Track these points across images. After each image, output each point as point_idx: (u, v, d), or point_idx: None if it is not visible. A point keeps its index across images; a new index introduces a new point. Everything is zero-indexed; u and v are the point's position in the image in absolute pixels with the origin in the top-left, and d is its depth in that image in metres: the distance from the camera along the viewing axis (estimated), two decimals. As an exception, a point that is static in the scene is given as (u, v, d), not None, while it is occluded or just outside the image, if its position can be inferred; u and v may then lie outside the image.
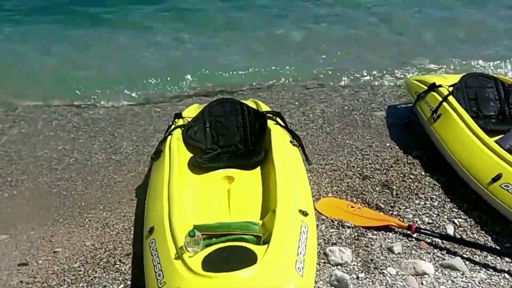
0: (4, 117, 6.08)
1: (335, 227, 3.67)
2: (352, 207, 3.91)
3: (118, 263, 3.45)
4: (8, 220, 4.21)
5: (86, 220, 4.11)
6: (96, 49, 7.88)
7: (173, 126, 4.35)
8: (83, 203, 4.39)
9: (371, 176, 4.38)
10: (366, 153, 4.85)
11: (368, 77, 6.80)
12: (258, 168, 3.89)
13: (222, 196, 3.59)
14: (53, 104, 6.37)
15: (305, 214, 3.13)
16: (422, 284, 3.08)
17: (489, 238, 3.53)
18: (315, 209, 3.69)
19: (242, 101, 4.53)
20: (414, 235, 3.55)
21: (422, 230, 3.52)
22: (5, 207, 4.42)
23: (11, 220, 4.22)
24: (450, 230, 3.63)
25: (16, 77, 7.13)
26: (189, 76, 6.86)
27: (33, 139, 5.63)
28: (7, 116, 6.11)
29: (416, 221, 3.74)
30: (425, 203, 3.97)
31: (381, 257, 3.34)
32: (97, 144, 5.45)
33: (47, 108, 6.13)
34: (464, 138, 4.20)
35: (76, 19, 8.99)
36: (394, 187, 4.18)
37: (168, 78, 6.73)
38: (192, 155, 4.11)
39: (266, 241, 2.80)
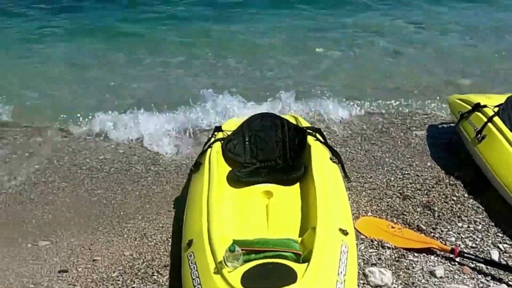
0: (48, 124, 6.21)
1: (375, 247, 3.60)
2: (392, 227, 3.83)
3: (156, 274, 3.48)
4: (50, 227, 4.30)
5: (125, 229, 4.16)
6: (138, 68, 7.98)
7: (212, 139, 4.37)
8: (122, 213, 4.44)
9: (412, 196, 4.29)
10: (406, 172, 4.76)
11: (409, 95, 6.67)
12: (297, 184, 3.86)
13: (261, 211, 3.57)
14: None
15: (345, 233, 3.08)
16: (465, 310, 3.00)
17: (537, 265, 3.41)
18: (355, 228, 3.63)
19: (281, 115, 4.53)
20: (457, 259, 3.45)
21: (465, 254, 3.42)
22: (47, 213, 4.51)
23: (52, 226, 4.30)
24: (495, 255, 3.52)
25: (67, 85, 7.32)
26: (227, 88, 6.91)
27: (75, 147, 5.74)
28: (51, 123, 6.24)
29: (459, 244, 3.64)
30: (469, 226, 3.86)
31: (423, 281, 3.26)
32: (137, 154, 5.52)
33: (90, 117, 6.22)
34: (510, 160, 4.08)
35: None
36: (436, 208, 4.08)
37: (209, 90, 6.79)
38: (231, 168, 4.11)
39: (306, 259, 2.76)
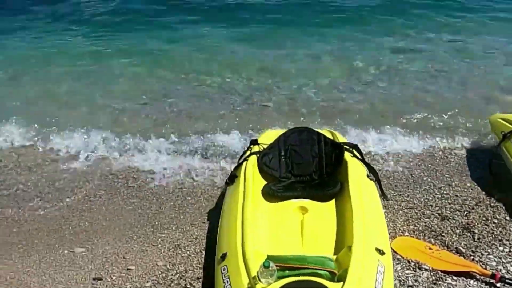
0: (85, 131, 6.32)
1: (412, 269, 3.51)
2: (430, 248, 3.73)
3: (188, 286, 3.48)
4: (86, 234, 4.37)
5: (159, 239, 4.18)
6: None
7: (248, 152, 4.36)
8: (156, 222, 4.48)
9: (451, 217, 4.18)
10: (445, 192, 4.64)
11: (448, 112, 6.52)
12: (333, 201, 3.81)
13: (295, 226, 3.53)
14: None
15: (381, 252, 3.02)
16: None
17: None
18: (391, 248, 3.55)
19: (318, 130, 4.49)
20: (498, 285, 3.33)
21: (507, 280, 3.30)
22: (84, 220, 4.59)
23: (88, 234, 4.37)
24: (538, 282, 3.38)
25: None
26: (263, 103, 6.91)
27: (112, 157, 5.83)
28: (88, 131, 6.36)
29: (500, 269, 3.51)
30: (510, 251, 3.72)
31: (462, 305, 3.16)
32: (172, 166, 5.55)
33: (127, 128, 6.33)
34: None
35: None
36: (476, 230, 3.96)
37: (248, 103, 6.80)
38: (266, 182, 4.09)
39: (341, 279, 2.71)
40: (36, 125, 6.42)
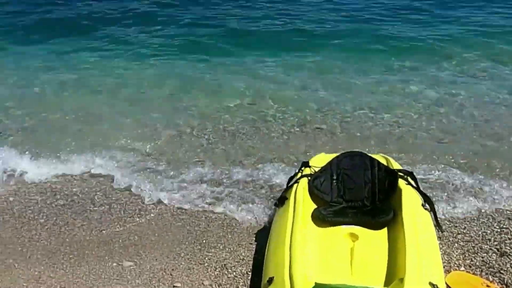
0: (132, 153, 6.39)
1: (467, 306, 3.34)
2: (487, 286, 3.54)
3: (234, 308, 3.44)
4: (135, 248, 4.42)
5: (206, 258, 4.18)
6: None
7: (299, 174, 4.31)
8: (204, 241, 4.48)
9: (511, 254, 3.96)
10: (504, 226, 4.41)
11: (504, 138, 6.23)
12: (385, 229, 3.69)
13: (345, 254, 3.44)
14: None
15: (435, 287, 2.88)
16: None
17: None
18: (446, 283, 3.39)
19: (372, 155, 4.39)
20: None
21: None
22: (133, 234, 4.65)
23: (137, 248, 4.42)
24: None
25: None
26: (317, 125, 6.85)
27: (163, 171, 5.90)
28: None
29: None
30: None
31: None
32: (223, 184, 5.54)
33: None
34: None
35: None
36: (539, 269, 3.73)
37: (301, 125, 6.73)
38: (316, 206, 4.02)
39: (391, 312, 2.61)
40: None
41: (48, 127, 7.08)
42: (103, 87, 8.56)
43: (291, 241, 3.33)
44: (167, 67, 9.45)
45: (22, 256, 4.38)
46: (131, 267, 4.11)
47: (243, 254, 4.19)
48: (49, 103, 7.99)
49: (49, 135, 6.78)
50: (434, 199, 4.26)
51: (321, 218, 3.81)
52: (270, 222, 4.16)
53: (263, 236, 4.09)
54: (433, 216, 3.93)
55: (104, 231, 4.72)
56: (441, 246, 3.93)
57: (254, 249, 4.24)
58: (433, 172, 5.47)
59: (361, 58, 9.53)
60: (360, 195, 4.12)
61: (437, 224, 3.98)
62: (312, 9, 12.73)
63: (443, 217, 4.56)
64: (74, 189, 5.53)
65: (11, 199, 5.40)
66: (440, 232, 4.10)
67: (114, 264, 4.19)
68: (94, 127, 6.97)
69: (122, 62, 9.82)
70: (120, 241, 4.55)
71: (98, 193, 5.43)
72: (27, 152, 6.26)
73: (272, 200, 4.93)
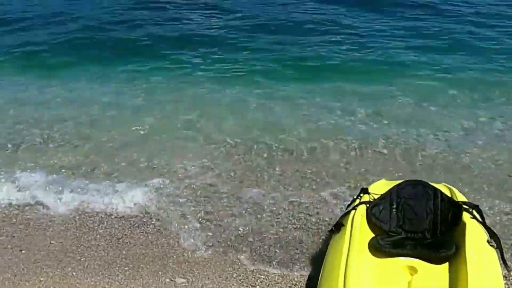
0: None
1: None
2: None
3: (283, 334, 3.36)
4: (188, 265, 4.44)
5: (258, 280, 4.16)
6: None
7: (357, 201, 4.20)
8: (255, 262, 4.43)
9: None
10: None
11: None
12: (446, 264, 3.50)
13: (402, 287, 3.29)
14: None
15: (500, 332, 2.70)
16: None
17: None
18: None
19: (435, 185, 4.21)
20: None
21: None
22: (187, 251, 4.67)
23: (190, 265, 4.44)
24: None
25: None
26: (379, 149, 6.68)
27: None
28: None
29: None
30: None
31: None
32: (281, 207, 5.49)
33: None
34: None
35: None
36: None
37: (361, 148, 6.59)
38: (374, 235, 3.89)
39: None
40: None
41: (113, 148, 7.06)
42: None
43: (346, 270, 3.23)
44: (228, 91, 9.32)
45: (80, 265, 4.51)
46: (184, 285, 4.13)
47: (296, 279, 4.13)
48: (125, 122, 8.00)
49: (114, 154, 6.85)
50: (500, 236, 3.99)
51: (378, 248, 3.67)
52: (324, 247, 4.06)
53: (317, 261, 4.00)
54: (499, 254, 3.70)
55: (159, 246, 4.77)
56: (506, 286, 3.69)
57: (307, 274, 4.16)
58: (501, 207, 5.19)
59: (426, 85, 9.26)
60: (420, 226, 3.95)
61: (504, 263, 3.73)
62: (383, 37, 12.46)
63: (510, 256, 4.30)
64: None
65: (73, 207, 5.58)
66: (506, 271, 3.85)
67: (167, 279, 4.22)
68: (155, 148, 7.00)
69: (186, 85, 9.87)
70: (175, 257, 4.59)
71: (155, 206, 5.52)
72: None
73: (327, 225, 4.83)
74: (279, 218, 5.17)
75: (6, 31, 13.40)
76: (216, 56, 11.15)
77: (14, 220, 5.33)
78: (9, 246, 4.86)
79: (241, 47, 11.76)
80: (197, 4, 15.49)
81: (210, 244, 4.78)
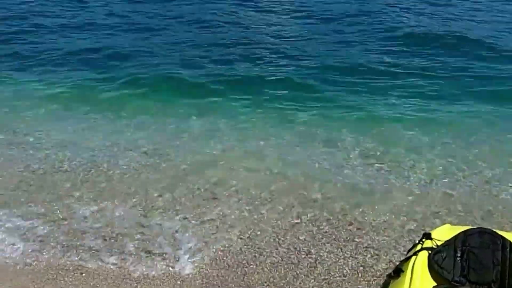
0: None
1: None
2: None
3: None
4: None
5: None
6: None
7: (419, 246, 4.04)
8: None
9: None
10: None
11: None
12: (513, 319, 3.31)
13: None
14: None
15: None
16: None
17: None
18: None
19: (504, 233, 4.00)
20: None
21: None
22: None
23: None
24: None
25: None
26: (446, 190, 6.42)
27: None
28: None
29: None
30: None
31: None
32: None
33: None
34: None
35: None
36: None
37: (427, 187, 6.40)
38: (435, 283, 3.72)
39: None
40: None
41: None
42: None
43: (403, 321, 3.11)
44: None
45: None
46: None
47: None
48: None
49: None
50: None
51: (439, 298, 3.53)
52: (383, 293, 3.94)
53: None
54: None
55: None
56: None
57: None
58: None
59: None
60: (487, 277, 3.74)
61: None
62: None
63: None
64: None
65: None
66: None
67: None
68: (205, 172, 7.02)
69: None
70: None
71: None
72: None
73: (387, 269, 4.68)
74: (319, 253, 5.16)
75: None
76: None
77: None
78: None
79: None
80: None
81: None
